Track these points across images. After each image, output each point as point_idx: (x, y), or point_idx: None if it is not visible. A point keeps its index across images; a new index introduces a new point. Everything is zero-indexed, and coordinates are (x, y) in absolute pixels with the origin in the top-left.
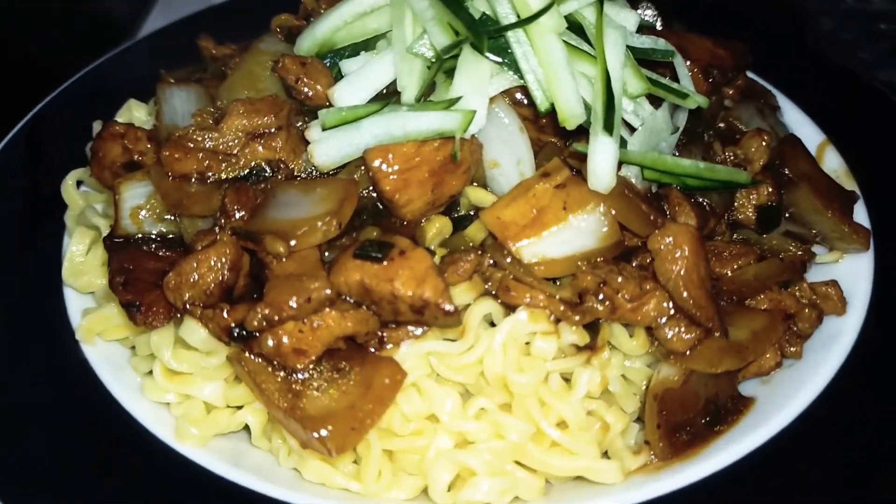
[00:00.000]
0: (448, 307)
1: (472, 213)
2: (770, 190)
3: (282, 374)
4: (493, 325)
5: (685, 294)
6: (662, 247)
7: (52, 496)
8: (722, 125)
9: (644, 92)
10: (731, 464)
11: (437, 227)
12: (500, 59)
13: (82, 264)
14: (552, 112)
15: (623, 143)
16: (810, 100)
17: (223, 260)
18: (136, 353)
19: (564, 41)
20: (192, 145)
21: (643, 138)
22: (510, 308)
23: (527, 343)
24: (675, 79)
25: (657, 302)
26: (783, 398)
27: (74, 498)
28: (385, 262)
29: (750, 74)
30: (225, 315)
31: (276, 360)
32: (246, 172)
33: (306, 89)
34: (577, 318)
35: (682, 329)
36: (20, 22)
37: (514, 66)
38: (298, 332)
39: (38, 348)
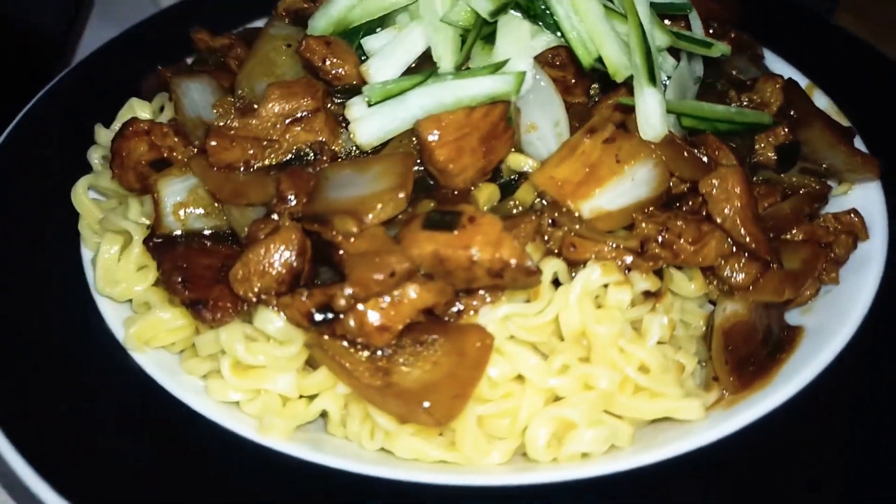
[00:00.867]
0: (531, 265)
1: (513, 178)
2: (787, 130)
3: (366, 353)
4: (555, 283)
5: (743, 231)
6: (715, 189)
7: None
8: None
9: (669, 44)
10: (801, 390)
11: (488, 194)
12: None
13: (116, 272)
14: (589, 70)
15: None
16: (789, 49)
17: (290, 246)
18: (186, 357)
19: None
20: (233, 133)
21: (674, 88)
22: (573, 265)
23: (596, 297)
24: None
25: (717, 242)
26: (833, 323)
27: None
28: (456, 231)
29: None
30: (304, 300)
31: (360, 340)
32: (290, 157)
33: (334, 69)
34: (649, 264)
35: (743, 265)
36: None
37: (552, 26)
38: (381, 309)
39: (90, 364)
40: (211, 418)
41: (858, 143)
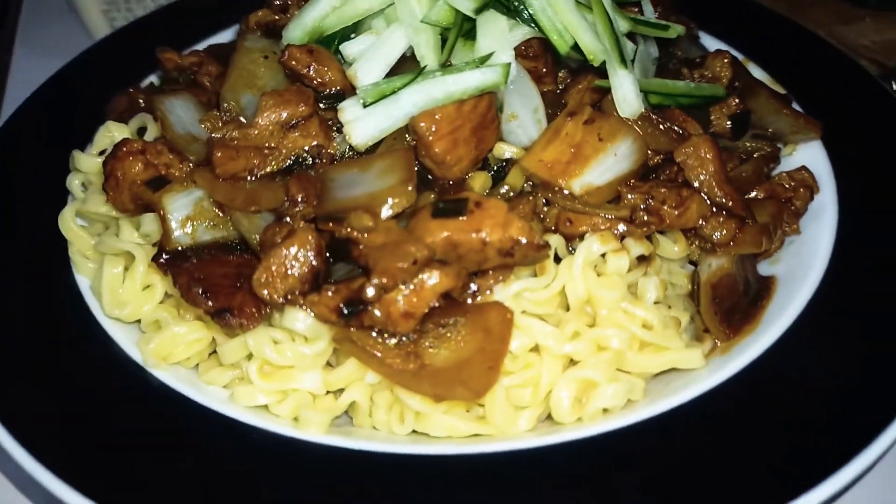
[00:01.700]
0: (540, 241)
1: (500, 166)
2: (737, 101)
3: (393, 340)
4: (556, 258)
5: (719, 192)
6: (689, 158)
7: None
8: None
9: (629, 29)
10: (786, 331)
11: (481, 182)
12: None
13: (122, 294)
14: (563, 57)
15: None
16: (719, 27)
17: (308, 247)
18: (206, 369)
19: None
20: (236, 144)
21: (637, 69)
22: (570, 239)
23: (594, 266)
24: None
25: (698, 205)
26: (802, 269)
27: None
28: (465, 216)
29: None
30: (331, 295)
31: (387, 329)
32: (290, 162)
33: (319, 76)
34: (642, 230)
35: (723, 222)
36: None
37: (527, 20)
38: (404, 297)
39: (115, 385)
40: (246, 422)
41: (795, 107)
